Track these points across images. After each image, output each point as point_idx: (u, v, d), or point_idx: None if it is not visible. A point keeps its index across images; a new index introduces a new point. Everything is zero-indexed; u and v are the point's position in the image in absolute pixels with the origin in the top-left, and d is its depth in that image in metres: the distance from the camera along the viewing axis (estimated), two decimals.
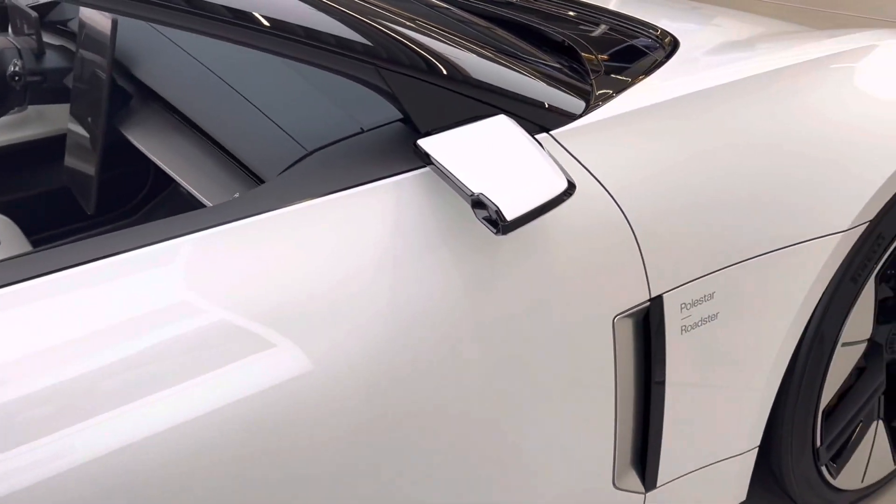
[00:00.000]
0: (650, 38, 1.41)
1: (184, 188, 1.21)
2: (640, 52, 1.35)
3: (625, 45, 1.38)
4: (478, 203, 0.82)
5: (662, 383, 1.15)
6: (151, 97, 1.34)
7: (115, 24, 1.30)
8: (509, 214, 0.81)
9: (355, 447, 0.90)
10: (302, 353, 0.85)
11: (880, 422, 1.58)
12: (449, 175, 0.85)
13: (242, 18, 0.82)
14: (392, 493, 0.95)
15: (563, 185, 0.86)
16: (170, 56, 1.32)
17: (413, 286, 0.91)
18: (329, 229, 0.90)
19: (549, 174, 0.87)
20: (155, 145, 1.31)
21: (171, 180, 1.30)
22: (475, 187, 0.83)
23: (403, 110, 0.94)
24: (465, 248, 0.94)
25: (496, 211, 0.81)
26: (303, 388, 0.84)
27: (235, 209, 0.88)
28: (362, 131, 1.00)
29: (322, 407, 0.86)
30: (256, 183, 1.04)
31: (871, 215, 1.25)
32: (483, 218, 0.84)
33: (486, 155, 0.89)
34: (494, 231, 0.83)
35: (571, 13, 1.57)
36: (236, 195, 1.08)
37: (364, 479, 0.92)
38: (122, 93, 1.41)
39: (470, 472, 1.02)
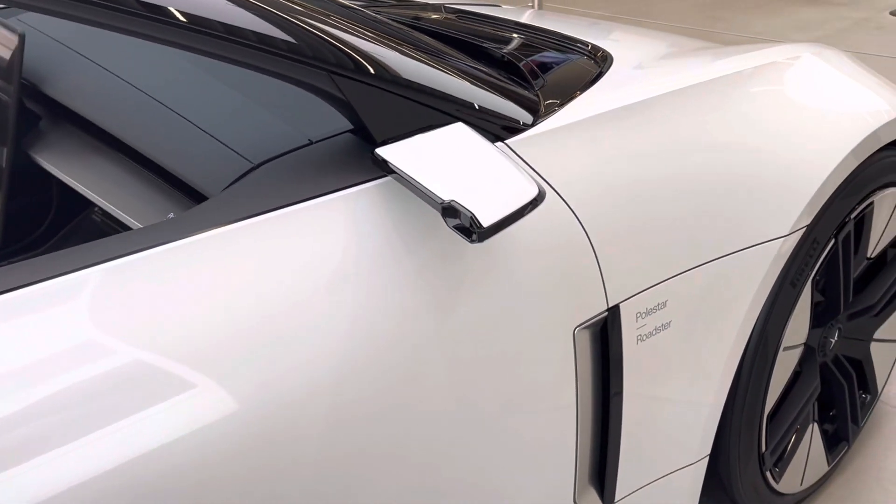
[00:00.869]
0: (584, 52, 1.41)
1: (105, 212, 1.13)
2: (578, 65, 1.35)
3: (562, 59, 1.38)
4: (449, 210, 0.79)
5: (620, 394, 1.14)
6: (65, 117, 1.25)
7: (22, 39, 1.21)
8: (485, 221, 0.78)
9: (322, 471, 0.84)
10: (251, 387, 0.78)
11: (815, 425, 1.62)
12: (414, 183, 0.81)
13: (195, 23, 0.76)
14: None
15: (535, 191, 0.84)
16: (86, 72, 1.23)
17: (373, 301, 0.86)
18: (281, 246, 0.84)
19: (519, 180, 0.85)
20: (71, 168, 1.21)
21: (86, 206, 1.20)
22: (445, 195, 0.79)
23: (357, 119, 0.89)
24: (426, 261, 0.91)
25: (471, 218, 0.77)
26: (258, 423, 0.77)
27: (169, 231, 0.81)
28: (310, 143, 0.95)
29: (285, 436, 0.80)
30: (196, 203, 0.97)
31: (808, 220, 1.28)
32: (454, 226, 0.80)
33: (450, 162, 0.86)
34: (469, 239, 0.79)
35: (504, 30, 1.56)
36: (171, 216, 1.01)
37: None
38: (31, 114, 1.31)
39: (436, 489, 0.97)
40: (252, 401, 0.77)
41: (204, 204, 0.86)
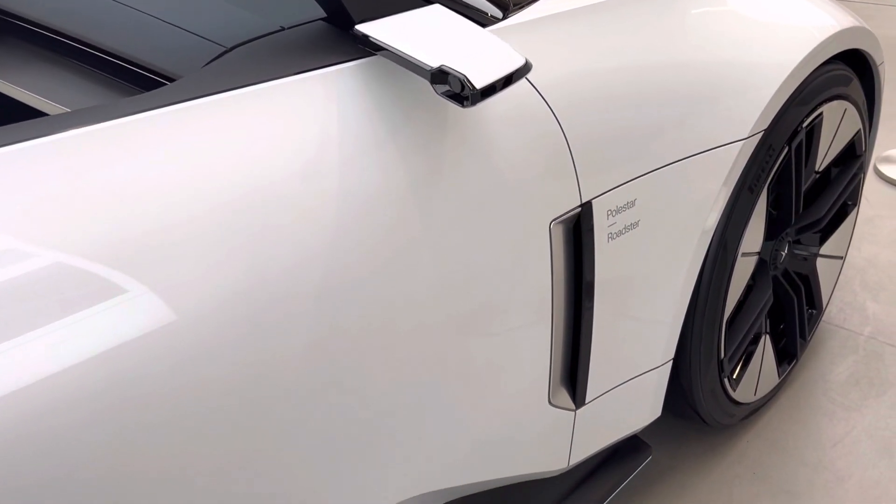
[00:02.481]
0: None
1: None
2: None
3: None
4: (438, 77, 0.77)
5: (592, 293, 1.15)
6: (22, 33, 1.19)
7: None
8: (477, 83, 0.77)
9: (313, 363, 0.83)
10: (234, 271, 0.76)
11: (767, 337, 1.67)
12: (399, 54, 0.80)
13: None
14: (326, 412, 0.88)
15: (522, 61, 0.83)
16: None
17: (352, 185, 0.85)
18: (260, 122, 0.82)
19: (506, 49, 0.84)
20: (19, 77, 1.15)
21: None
22: (433, 62, 0.78)
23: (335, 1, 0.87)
24: (406, 146, 0.89)
25: (462, 80, 0.76)
26: (242, 308, 0.75)
27: (143, 102, 0.77)
28: (282, 29, 0.93)
29: (272, 321, 0.78)
30: None
31: (765, 125, 1.32)
32: (444, 93, 0.79)
33: (433, 35, 0.84)
34: (461, 104, 0.78)
35: None
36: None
37: (323, 393, 0.85)
38: None
39: (420, 377, 0.97)
40: (236, 286, 0.75)
41: (178, 81, 0.83)
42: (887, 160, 2.98)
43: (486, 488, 1.22)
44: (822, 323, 2.08)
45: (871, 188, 2.85)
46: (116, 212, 0.71)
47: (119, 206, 0.71)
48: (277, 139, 0.81)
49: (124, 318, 0.69)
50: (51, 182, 0.69)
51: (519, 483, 1.33)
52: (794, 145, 1.43)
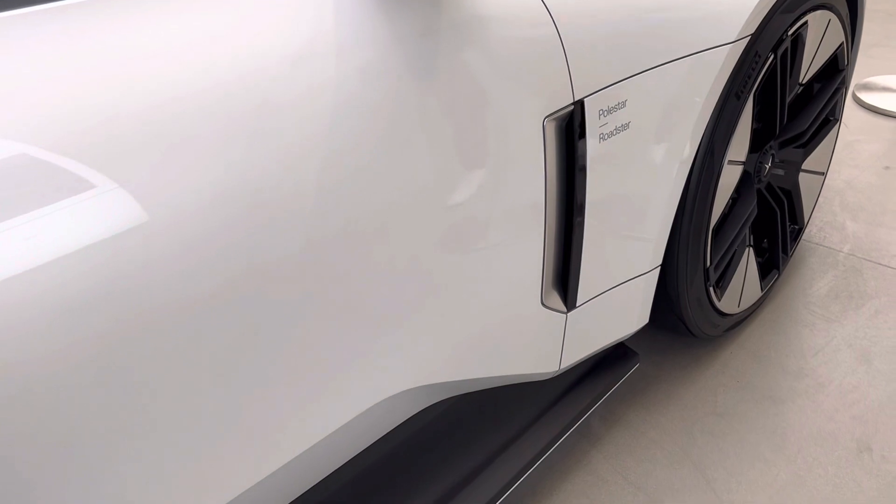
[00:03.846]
0: None
1: None
2: None
3: None
4: None
5: (584, 194, 1.16)
6: None
7: None
8: None
9: (310, 245, 0.84)
10: (234, 158, 0.76)
11: (751, 250, 1.70)
12: None
13: None
14: (324, 301, 0.90)
15: None
16: None
17: (349, 71, 0.85)
18: (252, 3, 0.82)
19: None
20: None
21: None
22: None
23: None
24: (403, 35, 0.90)
25: None
26: (243, 199, 0.76)
27: None
28: None
29: (273, 212, 0.79)
30: None
31: (752, 30, 1.32)
32: None
33: None
34: None
35: None
36: None
37: (321, 284, 0.87)
38: None
39: (414, 281, 0.99)
40: (233, 168, 0.76)
41: None
42: (866, 87, 3.01)
43: (481, 387, 1.25)
44: (802, 241, 2.12)
45: (850, 115, 2.88)
46: (105, 94, 0.71)
47: (108, 88, 0.71)
48: (273, 22, 0.81)
49: (111, 210, 0.70)
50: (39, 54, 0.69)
51: (511, 387, 1.36)
52: (779, 53, 1.44)
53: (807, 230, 2.16)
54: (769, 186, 1.74)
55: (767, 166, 1.68)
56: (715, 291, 1.59)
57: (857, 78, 3.14)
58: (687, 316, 1.57)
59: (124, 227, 0.70)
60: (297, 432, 0.95)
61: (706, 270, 1.52)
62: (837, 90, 1.79)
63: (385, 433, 1.15)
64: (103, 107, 0.71)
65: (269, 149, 0.79)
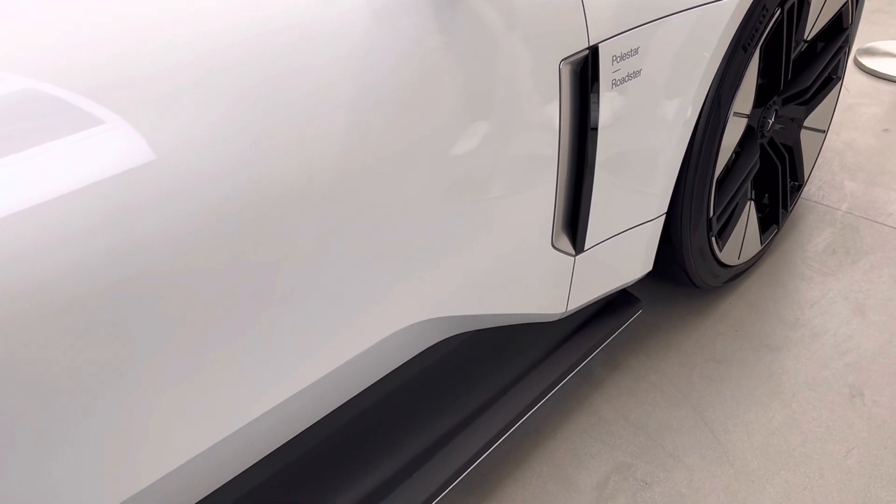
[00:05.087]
0: None
1: None
2: None
3: None
4: None
5: (595, 138, 1.20)
6: None
7: None
8: None
9: (337, 185, 0.88)
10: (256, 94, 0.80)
11: (752, 204, 1.75)
12: None
13: None
14: (348, 232, 0.94)
15: None
16: None
17: (376, 5, 0.89)
18: None
19: None
20: None
21: None
22: None
23: None
24: None
25: None
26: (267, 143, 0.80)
27: None
28: None
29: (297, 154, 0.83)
30: None
31: None
32: None
33: None
34: None
35: None
36: None
37: (343, 216, 0.91)
38: None
39: (431, 214, 1.03)
40: (273, 110, 0.80)
41: None
42: (868, 52, 3.04)
43: (491, 324, 1.30)
44: (802, 199, 2.16)
45: (851, 79, 2.91)
46: (127, 30, 0.75)
47: (130, 23, 0.75)
48: None
49: (131, 141, 0.74)
50: None
51: (518, 330, 1.42)
52: (786, 7, 1.47)
53: (806, 189, 2.21)
54: (771, 142, 1.79)
55: (770, 121, 1.72)
56: (717, 242, 1.64)
57: (858, 43, 3.17)
58: (689, 265, 1.61)
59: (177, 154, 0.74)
60: (313, 360, 1.00)
61: (709, 220, 1.57)
62: (840, 49, 1.82)
63: (395, 367, 1.20)
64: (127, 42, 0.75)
65: (303, 84, 0.83)
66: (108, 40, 0.74)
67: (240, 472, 1.03)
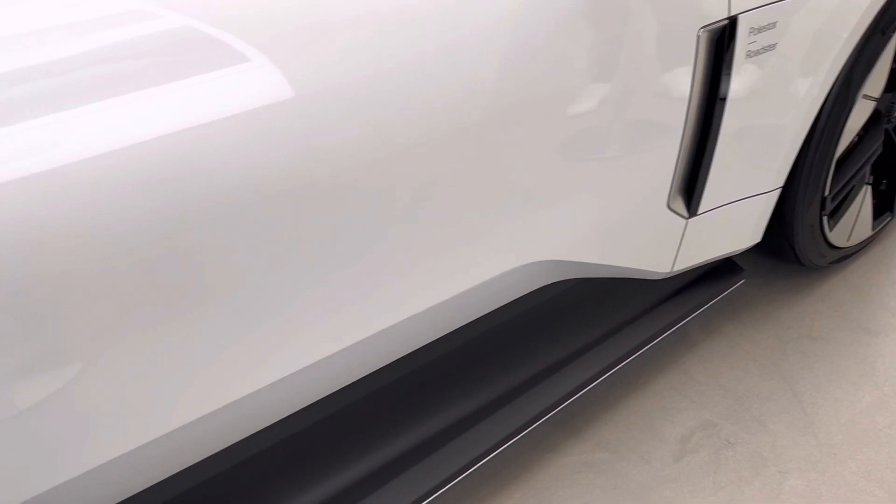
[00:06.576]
0: None
1: None
2: None
3: None
4: None
5: (724, 106, 1.25)
6: None
7: None
8: None
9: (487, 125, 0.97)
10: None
11: (868, 188, 1.75)
12: None
13: None
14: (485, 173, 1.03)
15: None
16: None
17: None
18: None
19: None
20: None
21: None
22: None
23: None
24: None
25: None
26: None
27: None
28: None
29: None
30: None
31: None
32: None
33: None
34: None
35: None
36: None
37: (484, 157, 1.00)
38: None
39: (558, 162, 1.11)
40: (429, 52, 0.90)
41: None
42: None
43: (599, 275, 1.37)
44: None
45: None
46: None
47: None
48: None
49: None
50: None
51: (622, 284, 1.48)
52: None
53: None
54: None
55: None
56: (828, 222, 1.66)
57: None
58: (797, 242, 1.64)
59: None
60: (443, 281, 1.10)
61: (823, 199, 1.59)
62: None
63: (506, 303, 1.30)
64: None
65: (468, 34, 0.92)
66: None
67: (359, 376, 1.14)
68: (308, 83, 0.84)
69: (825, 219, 1.64)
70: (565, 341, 1.47)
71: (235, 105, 0.81)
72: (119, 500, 0.94)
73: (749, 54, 1.24)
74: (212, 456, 1.01)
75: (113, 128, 0.75)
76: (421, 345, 1.19)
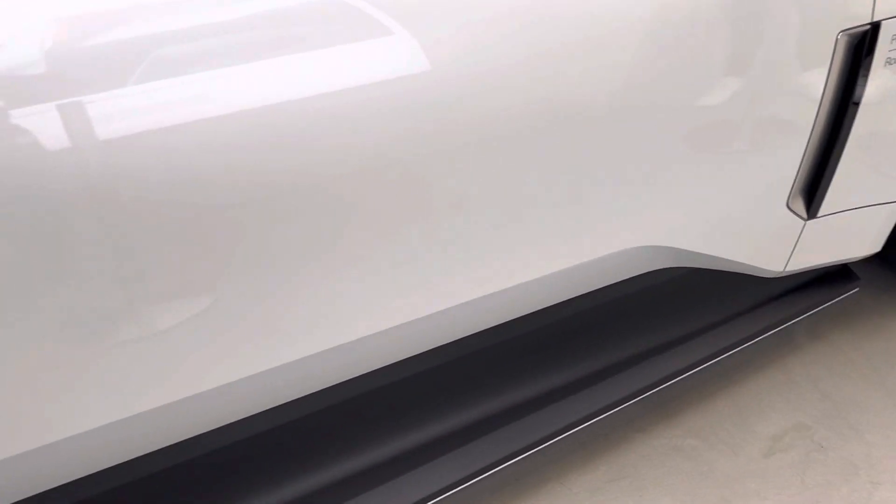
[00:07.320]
0: None
1: None
2: None
3: None
4: None
5: (856, 111, 1.25)
6: None
7: None
8: None
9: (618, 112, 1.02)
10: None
11: None
12: None
13: None
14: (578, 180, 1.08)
15: None
16: None
17: None
18: None
19: None
20: None
21: None
22: None
23: None
24: None
25: None
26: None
27: None
28: None
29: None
30: None
31: None
32: None
33: None
34: None
35: None
36: None
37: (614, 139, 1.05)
38: None
39: (680, 152, 1.14)
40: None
41: None
42: None
43: (710, 266, 1.39)
44: None
45: None
46: None
47: None
48: None
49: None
50: None
51: (734, 278, 1.50)
52: None
53: None
54: None
55: None
56: None
57: None
58: None
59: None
60: (564, 249, 1.16)
61: None
62: None
63: (614, 282, 1.34)
64: None
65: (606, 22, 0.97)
66: None
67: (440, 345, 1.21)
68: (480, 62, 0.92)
69: None
70: (669, 327, 1.50)
71: None
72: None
73: (888, 61, 1.23)
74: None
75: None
76: (537, 308, 1.25)
